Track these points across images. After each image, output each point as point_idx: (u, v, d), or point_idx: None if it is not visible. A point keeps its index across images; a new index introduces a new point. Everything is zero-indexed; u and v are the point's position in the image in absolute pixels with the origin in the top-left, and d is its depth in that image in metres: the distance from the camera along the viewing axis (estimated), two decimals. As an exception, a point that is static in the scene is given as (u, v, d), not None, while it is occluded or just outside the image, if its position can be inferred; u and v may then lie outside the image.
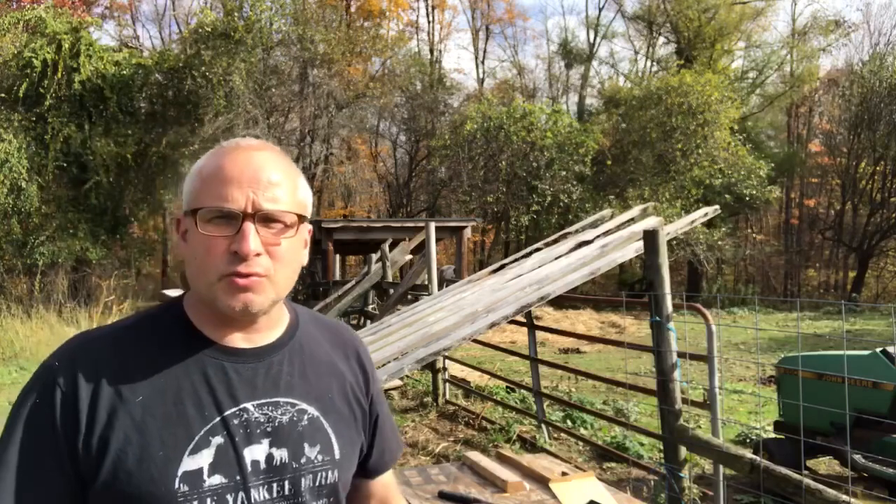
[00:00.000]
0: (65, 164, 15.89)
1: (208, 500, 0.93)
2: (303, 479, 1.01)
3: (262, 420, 0.98)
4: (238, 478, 0.95)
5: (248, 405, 0.98)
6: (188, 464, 0.92)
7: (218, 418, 0.95)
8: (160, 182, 18.37)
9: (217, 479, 0.94)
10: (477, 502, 2.21)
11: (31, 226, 15.68)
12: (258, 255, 0.94)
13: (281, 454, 0.99)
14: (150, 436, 0.91)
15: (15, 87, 15.13)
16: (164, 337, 0.99)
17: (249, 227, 0.93)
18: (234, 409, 0.97)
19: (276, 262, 0.96)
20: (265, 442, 0.98)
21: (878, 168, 25.74)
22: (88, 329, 0.99)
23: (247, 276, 0.93)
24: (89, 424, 0.90)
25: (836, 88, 27.44)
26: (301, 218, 1.00)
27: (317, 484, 1.03)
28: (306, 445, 1.02)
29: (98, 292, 14.90)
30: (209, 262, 0.94)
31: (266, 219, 0.95)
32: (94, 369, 0.93)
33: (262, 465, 0.98)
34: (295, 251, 1.00)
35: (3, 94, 15.26)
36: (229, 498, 0.94)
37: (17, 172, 14.62)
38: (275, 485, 0.98)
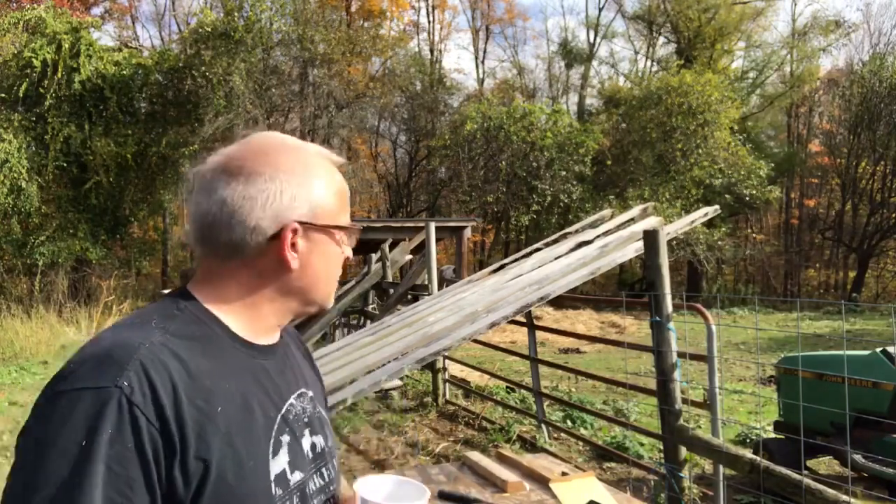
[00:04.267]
0: (65, 164, 15.89)
1: (295, 499, 0.95)
2: (331, 463, 1.07)
3: (300, 411, 1.02)
4: (307, 470, 1.00)
5: (291, 399, 1.01)
6: (274, 467, 0.92)
7: (279, 417, 0.97)
8: (160, 182, 18.36)
9: (297, 476, 0.97)
10: (477, 502, 2.21)
11: (31, 226, 15.68)
12: None
13: (319, 441, 1.04)
14: (238, 447, 0.88)
15: (15, 87, 15.13)
16: (210, 341, 0.93)
17: None
18: (286, 406, 0.99)
19: None
20: (307, 432, 1.02)
21: (878, 168, 25.74)
22: (122, 337, 0.86)
23: None
24: (183, 446, 0.83)
25: (836, 88, 27.43)
26: None
27: (337, 468, 1.10)
28: (327, 431, 1.08)
29: (98, 292, 14.91)
30: (336, 275, 1.05)
31: None
32: (167, 385, 0.84)
33: (310, 455, 1.01)
34: None
35: (3, 94, 15.26)
36: (307, 490, 0.98)
37: (17, 172, 14.62)
38: (323, 471, 1.04)
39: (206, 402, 0.86)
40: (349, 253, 1.04)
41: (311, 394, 1.08)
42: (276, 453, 0.93)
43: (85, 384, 0.81)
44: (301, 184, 0.96)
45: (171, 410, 0.83)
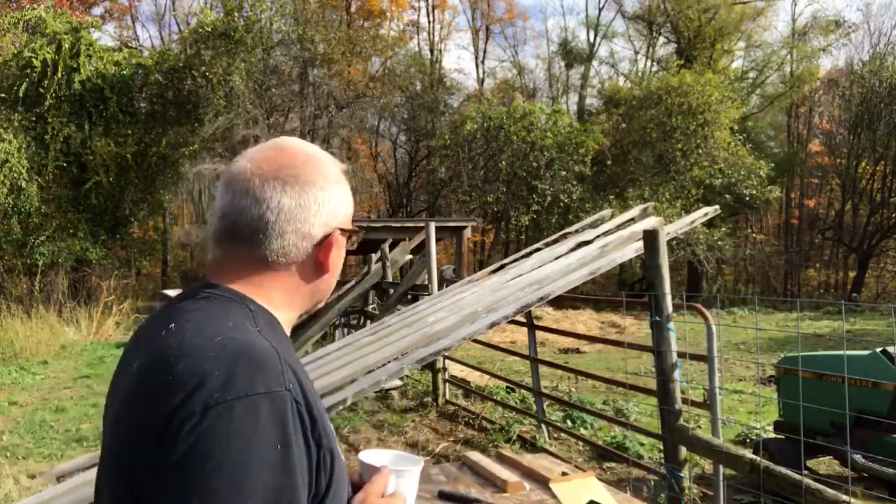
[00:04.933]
0: (65, 164, 15.89)
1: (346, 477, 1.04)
2: None
3: None
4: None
5: None
6: (340, 450, 0.99)
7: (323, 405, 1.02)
8: (160, 182, 18.37)
9: (344, 457, 1.04)
10: (477, 502, 2.21)
11: (31, 226, 15.69)
12: None
13: None
14: (332, 435, 0.94)
15: (15, 87, 15.13)
16: (284, 340, 0.98)
17: None
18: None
19: None
20: None
21: (878, 168, 25.73)
22: (249, 341, 0.88)
23: None
24: (322, 439, 0.89)
25: (836, 88, 27.40)
26: None
27: None
28: None
29: (98, 292, 14.91)
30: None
31: None
32: (302, 384, 0.90)
33: None
34: None
35: (3, 94, 15.27)
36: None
37: (17, 172, 14.63)
38: None
39: (313, 396, 0.92)
40: None
41: None
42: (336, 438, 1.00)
43: (256, 390, 0.82)
44: (338, 192, 1.04)
45: (312, 407, 0.89)
